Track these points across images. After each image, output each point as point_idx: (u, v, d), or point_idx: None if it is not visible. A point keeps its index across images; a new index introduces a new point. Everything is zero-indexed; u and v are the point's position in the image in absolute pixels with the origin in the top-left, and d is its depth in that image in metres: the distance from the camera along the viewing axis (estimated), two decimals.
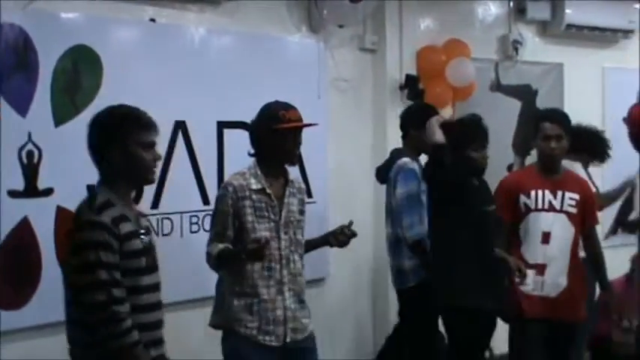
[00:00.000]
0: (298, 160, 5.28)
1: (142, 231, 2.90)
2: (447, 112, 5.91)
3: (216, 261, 3.49)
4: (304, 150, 5.28)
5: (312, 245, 3.79)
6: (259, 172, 3.58)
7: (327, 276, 5.50)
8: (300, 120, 3.65)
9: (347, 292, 5.69)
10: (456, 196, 4.10)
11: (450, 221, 4.20)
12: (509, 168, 6.33)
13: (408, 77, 5.76)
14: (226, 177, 3.86)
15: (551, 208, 4.21)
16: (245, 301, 3.53)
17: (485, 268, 4.15)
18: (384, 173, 4.86)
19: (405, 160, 4.67)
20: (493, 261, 4.18)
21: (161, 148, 4.59)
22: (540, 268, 4.20)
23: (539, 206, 4.21)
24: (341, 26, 5.52)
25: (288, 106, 3.65)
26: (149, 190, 4.58)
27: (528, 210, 4.22)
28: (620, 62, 7.19)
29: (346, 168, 5.56)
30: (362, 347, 5.73)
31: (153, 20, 4.65)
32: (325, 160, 5.46)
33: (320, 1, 5.31)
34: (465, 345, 4.28)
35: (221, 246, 3.47)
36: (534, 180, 4.27)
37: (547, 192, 4.22)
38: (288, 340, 3.59)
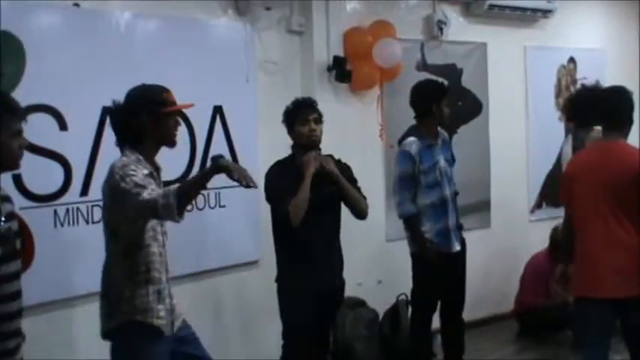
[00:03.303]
0: (228, 143, 5.32)
1: (3, 218, 2.73)
2: (374, 92, 5.99)
3: (177, 198, 3.05)
4: (234, 133, 5.34)
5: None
6: (141, 157, 3.35)
7: (259, 259, 5.52)
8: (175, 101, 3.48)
9: None
10: None
11: None
12: None
13: (336, 59, 5.80)
14: None
15: None
16: (153, 287, 3.32)
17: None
18: None
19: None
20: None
21: (89, 134, 4.60)
22: None
23: None
24: (268, 8, 5.52)
25: (165, 88, 3.45)
26: (78, 178, 4.55)
27: None
28: (540, 41, 7.38)
29: (277, 150, 5.55)
30: None
31: (77, 5, 4.57)
32: (255, 143, 5.47)
33: None
34: None
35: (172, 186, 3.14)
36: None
37: None
38: (174, 329, 3.46)
